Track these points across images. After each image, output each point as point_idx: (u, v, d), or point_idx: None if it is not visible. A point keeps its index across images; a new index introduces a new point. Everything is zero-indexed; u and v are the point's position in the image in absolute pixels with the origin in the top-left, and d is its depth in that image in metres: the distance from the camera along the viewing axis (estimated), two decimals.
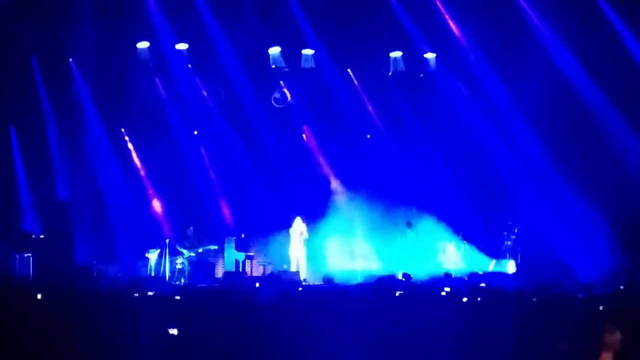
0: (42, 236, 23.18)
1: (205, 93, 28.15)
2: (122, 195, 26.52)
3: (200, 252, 25.34)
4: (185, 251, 25.06)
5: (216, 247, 25.77)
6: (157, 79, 27.86)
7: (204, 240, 25.62)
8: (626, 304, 13.38)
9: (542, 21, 26.14)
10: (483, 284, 20.54)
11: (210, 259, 25.95)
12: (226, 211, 27.38)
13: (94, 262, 24.01)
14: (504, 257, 25.88)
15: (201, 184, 27.56)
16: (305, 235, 25.69)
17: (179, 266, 24.90)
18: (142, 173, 27.33)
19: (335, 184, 26.57)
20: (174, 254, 25.00)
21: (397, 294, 14.83)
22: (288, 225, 25.85)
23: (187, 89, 27.75)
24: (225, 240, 26.22)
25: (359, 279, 23.69)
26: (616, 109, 25.62)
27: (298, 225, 25.76)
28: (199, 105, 27.96)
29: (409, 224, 26.25)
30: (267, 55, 27.77)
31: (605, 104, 25.75)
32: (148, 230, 26.02)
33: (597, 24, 25.40)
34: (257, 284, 21.78)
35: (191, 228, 25.51)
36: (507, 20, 26.36)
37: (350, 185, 27.12)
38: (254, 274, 25.14)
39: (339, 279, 23.87)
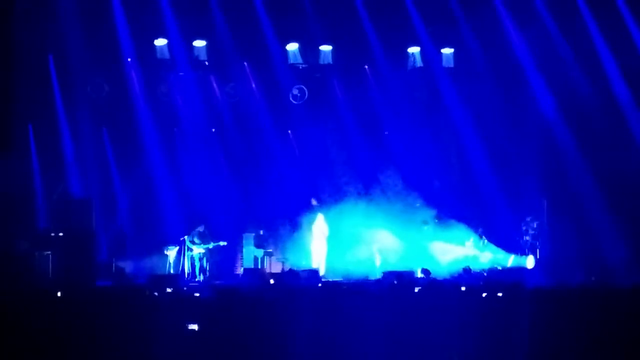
0: (61, 234, 23.20)
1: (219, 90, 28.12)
2: (139, 193, 26.51)
3: (211, 248, 25.29)
4: (194, 247, 25.05)
5: (225, 243, 25.64)
6: (175, 76, 27.78)
7: (215, 236, 25.53)
8: None
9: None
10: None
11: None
12: (245, 208, 27.31)
13: (113, 260, 24.08)
14: (523, 253, 25.83)
15: (219, 180, 27.52)
16: (326, 232, 25.69)
17: (197, 263, 24.92)
18: (158, 170, 27.23)
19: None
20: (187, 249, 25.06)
21: (416, 289, 14.82)
22: (309, 222, 25.89)
23: (203, 86, 27.73)
24: (244, 236, 26.26)
25: (377, 275, 23.68)
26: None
27: (319, 222, 25.77)
28: (216, 103, 27.93)
29: (425, 222, 26.24)
30: (285, 51, 27.76)
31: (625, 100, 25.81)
32: (166, 228, 26.00)
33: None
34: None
35: (202, 225, 25.48)
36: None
37: (368, 182, 27.10)
38: (273, 271, 25.12)
39: (357, 275, 23.94)
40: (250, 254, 26.02)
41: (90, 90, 26.63)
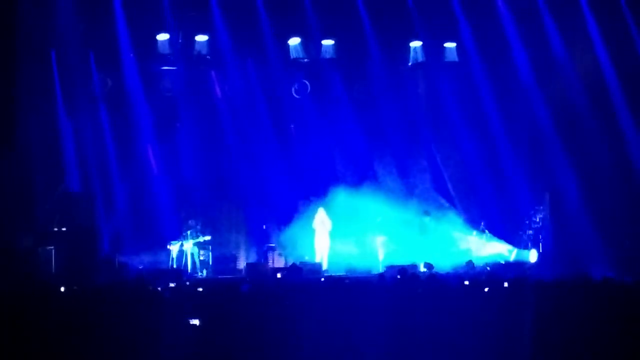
0: (64, 229, 23.23)
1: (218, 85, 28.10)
2: (139, 188, 26.49)
3: (200, 243, 25.19)
4: (185, 242, 24.98)
5: (209, 238, 25.48)
6: (176, 71, 27.71)
7: (204, 231, 25.47)
8: None
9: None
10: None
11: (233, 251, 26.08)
12: (247, 202, 27.30)
13: (116, 255, 24.09)
14: (526, 246, 25.85)
15: (220, 175, 27.49)
16: (329, 226, 25.63)
17: (201, 257, 24.90)
18: (159, 166, 27.17)
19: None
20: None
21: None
22: (310, 216, 25.88)
23: (204, 80, 27.71)
24: (247, 231, 26.27)
25: (380, 269, 23.71)
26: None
27: (321, 216, 25.72)
28: (217, 97, 27.91)
29: (426, 213, 26.27)
30: (287, 46, 27.74)
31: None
32: (166, 223, 25.99)
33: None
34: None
35: (193, 220, 25.45)
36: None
37: (370, 175, 27.14)
38: (276, 265, 25.13)
39: (360, 268, 23.95)
40: (253, 248, 26.07)
41: (95, 86, 26.64)
